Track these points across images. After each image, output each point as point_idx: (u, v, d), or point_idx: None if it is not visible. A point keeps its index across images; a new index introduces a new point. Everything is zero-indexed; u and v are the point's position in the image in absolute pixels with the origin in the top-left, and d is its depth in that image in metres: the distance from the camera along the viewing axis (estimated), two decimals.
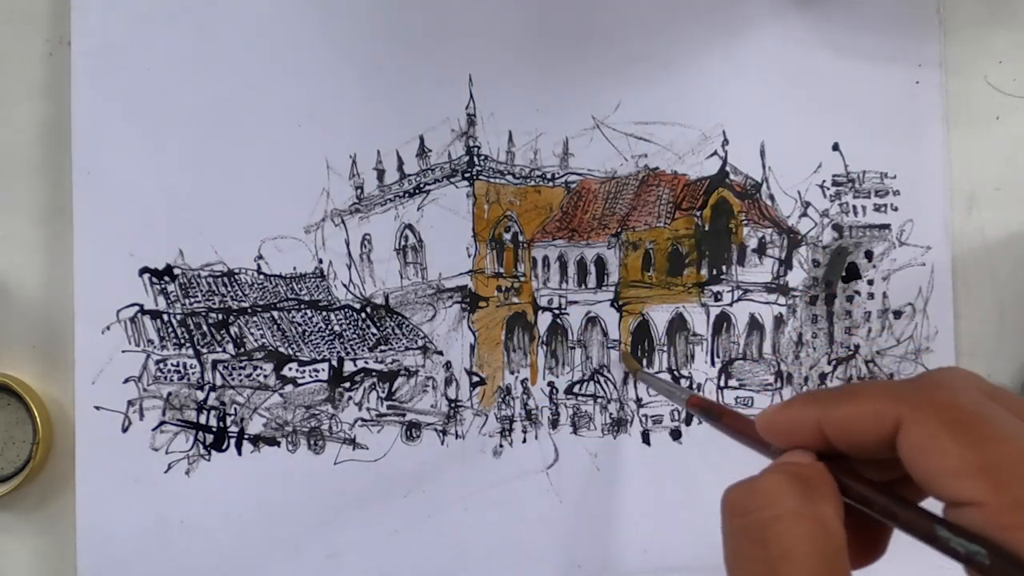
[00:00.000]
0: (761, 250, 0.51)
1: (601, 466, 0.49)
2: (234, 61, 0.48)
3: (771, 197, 0.51)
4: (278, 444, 0.48)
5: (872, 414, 0.24)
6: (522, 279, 0.50)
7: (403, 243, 0.49)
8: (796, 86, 0.51)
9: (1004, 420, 0.23)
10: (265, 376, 0.49)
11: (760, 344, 0.51)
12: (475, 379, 0.49)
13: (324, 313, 0.49)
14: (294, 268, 0.49)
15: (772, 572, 0.22)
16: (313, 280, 0.49)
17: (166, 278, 0.48)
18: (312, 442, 0.49)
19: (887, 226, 0.51)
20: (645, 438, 0.50)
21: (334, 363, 0.49)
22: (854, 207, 0.51)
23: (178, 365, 0.48)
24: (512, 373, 0.50)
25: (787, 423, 0.26)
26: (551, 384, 0.50)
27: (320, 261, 0.49)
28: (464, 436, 0.49)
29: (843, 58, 0.51)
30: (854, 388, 0.27)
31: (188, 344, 0.48)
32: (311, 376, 0.49)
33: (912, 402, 0.23)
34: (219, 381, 0.48)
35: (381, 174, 0.49)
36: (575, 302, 0.50)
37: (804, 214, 0.51)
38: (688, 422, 0.50)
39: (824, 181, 0.51)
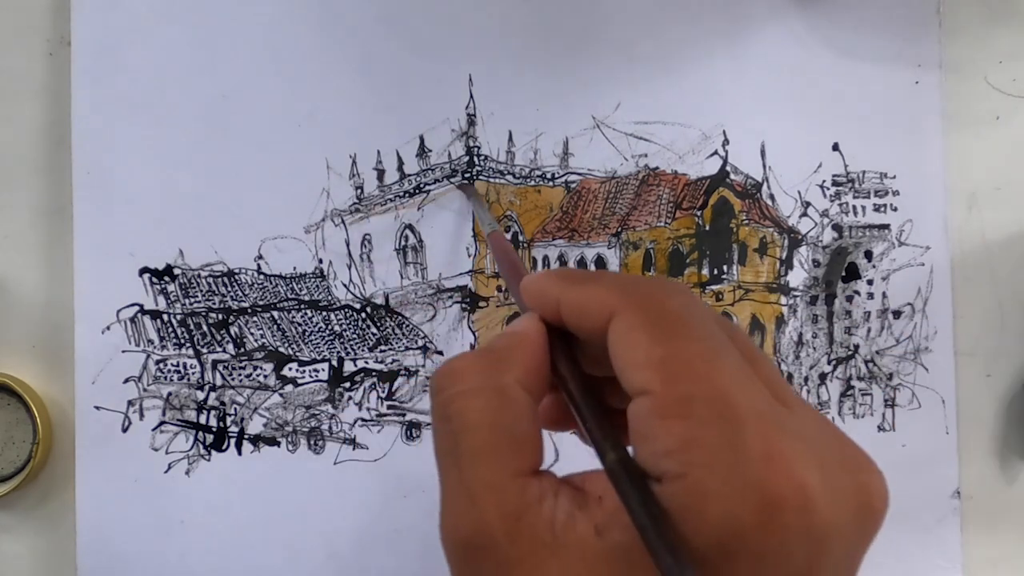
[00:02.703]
0: (762, 250, 0.51)
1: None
2: (234, 61, 0.48)
3: (771, 197, 0.51)
4: (278, 444, 0.48)
5: (596, 301, 0.24)
6: None
7: (403, 243, 0.50)
8: (796, 86, 0.51)
9: (703, 327, 0.23)
10: (265, 376, 0.49)
11: (761, 344, 0.51)
12: None
13: (324, 313, 0.49)
14: (294, 268, 0.49)
15: (454, 445, 0.24)
16: (313, 280, 0.49)
17: (166, 278, 0.48)
18: (312, 442, 0.49)
19: (887, 226, 0.51)
20: None
21: (334, 363, 0.49)
22: (854, 207, 0.51)
23: (178, 365, 0.48)
24: None
25: (536, 291, 0.27)
26: None
27: (320, 261, 0.49)
28: None
29: (843, 58, 0.51)
30: (592, 275, 0.28)
31: (188, 344, 0.48)
32: (311, 376, 0.49)
33: (628, 296, 0.24)
34: (219, 381, 0.48)
35: (381, 174, 0.49)
36: None
37: (804, 214, 0.51)
38: None
39: (824, 181, 0.51)
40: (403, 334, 0.49)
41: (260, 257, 0.49)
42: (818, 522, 0.20)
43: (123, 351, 0.48)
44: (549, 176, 0.50)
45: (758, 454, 0.21)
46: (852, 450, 0.23)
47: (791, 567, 0.20)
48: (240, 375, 0.48)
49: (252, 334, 0.49)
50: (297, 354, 0.49)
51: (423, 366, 0.49)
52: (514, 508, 0.22)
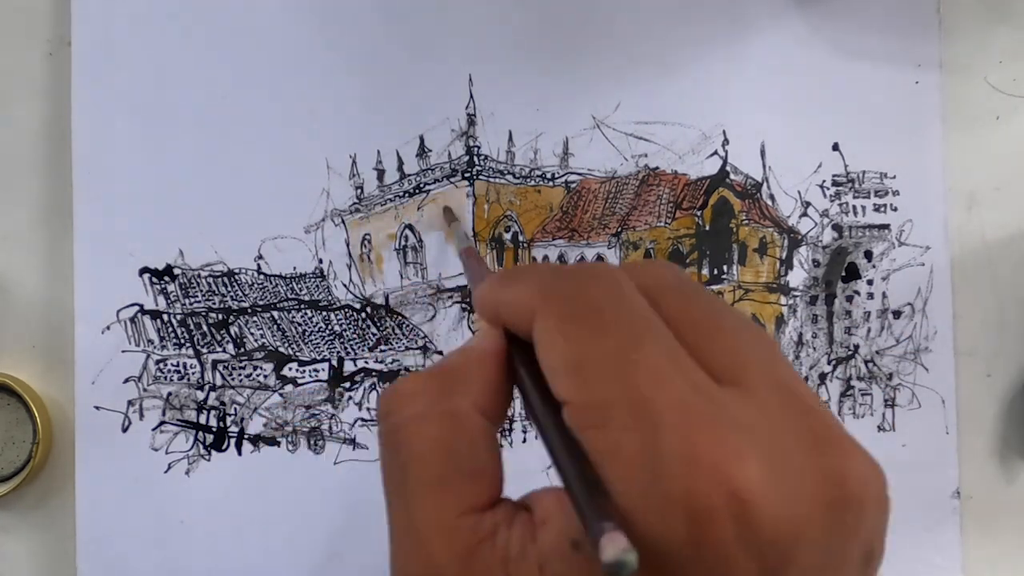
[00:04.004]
0: (762, 250, 0.51)
1: None
2: (234, 61, 0.48)
3: (771, 197, 0.51)
4: (278, 444, 0.48)
5: (521, 303, 0.22)
6: None
7: (403, 243, 0.50)
8: (796, 86, 0.51)
9: (622, 314, 0.20)
10: (265, 376, 0.49)
11: None
12: None
13: (324, 313, 0.49)
14: (294, 268, 0.49)
15: (403, 477, 0.22)
16: (313, 280, 0.49)
17: (166, 278, 0.48)
18: (312, 442, 0.49)
19: (887, 226, 0.51)
20: None
21: (334, 363, 0.49)
22: (854, 207, 0.51)
23: (178, 365, 0.48)
24: None
25: (480, 301, 0.24)
26: None
27: (320, 261, 0.49)
28: None
29: (843, 58, 0.51)
30: (520, 271, 0.24)
31: (188, 344, 0.48)
32: (311, 376, 0.49)
33: (546, 292, 0.21)
34: (219, 381, 0.48)
35: (381, 174, 0.49)
36: None
37: (804, 214, 0.51)
38: None
39: (824, 181, 0.51)
40: (403, 334, 0.49)
41: (260, 257, 0.49)
42: (767, 527, 0.17)
43: (123, 351, 0.48)
44: (549, 176, 0.50)
45: (679, 457, 0.18)
46: (822, 428, 0.19)
47: None
48: (240, 375, 0.48)
49: (252, 334, 0.49)
50: (297, 354, 0.49)
51: (423, 366, 0.49)
52: (465, 547, 0.20)
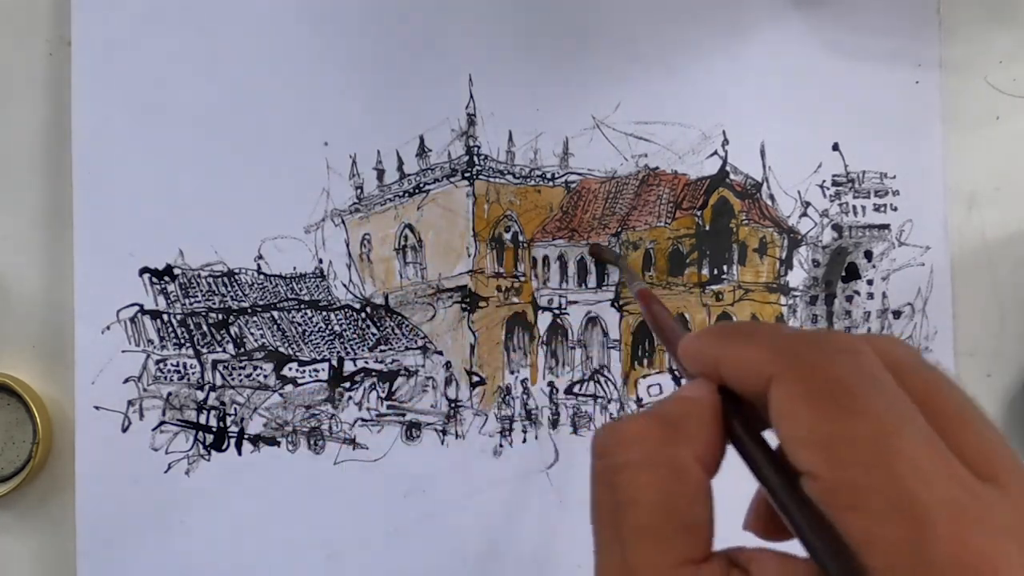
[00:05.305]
0: (762, 250, 0.51)
1: None
2: (234, 61, 0.48)
3: (771, 197, 0.51)
4: (278, 444, 0.48)
5: (753, 364, 0.22)
6: (522, 279, 0.50)
7: (403, 243, 0.50)
8: (796, 86, 0.51)
9: (876, 395, 0.20)
10: (265, 376, 0.49)
11: None
12: (475, 379, 0.49)
13: (324, 313, 0.49)
14: (294, 268, 0.49)
15: (617, 519, 0.22)
16: (313, 280, 0.49)
17: (166, 278, 0.48)
18: (312, 442, 0.49)
19: (886, 226, 0.51)
20: None
21: (334, 363, 0.49)
22: (854, 207, 0.51)
23: (178, 365, 0.48)
24: (512, 373, 0.50)
25: (694, 353, 0.24)
26: (551, 384, 0.50)
27: (320, 261, 0.49)
28: (464, 436, 0.49)
29: (843, 58, 0.51)
30: (749, 331, 0.24)
31: (188, 344, 0.48)
32: (311, 376, 0.49)
33: (785, 358, 0.21)
34: (219, 381, 0.48)
35: (381, 174, 0.49)
36: (575, 302, 0.50)
37: (804, 214, 0.51)
38: None
39: (824, 181, 0.51)
40: (403, 334, 0.49)
41: (260, 257, 0.49)
42: None
43: (123, 351, 0.48)
44: (549, 176, 0.50)
45: (950, 559, 0.17)
46: None
47: None
48: (240, 375, 0.48)
49: (252, 334, 0.49)
50: (297, 354, 0.49)
51: (423, 366, 0.49)
52: None
